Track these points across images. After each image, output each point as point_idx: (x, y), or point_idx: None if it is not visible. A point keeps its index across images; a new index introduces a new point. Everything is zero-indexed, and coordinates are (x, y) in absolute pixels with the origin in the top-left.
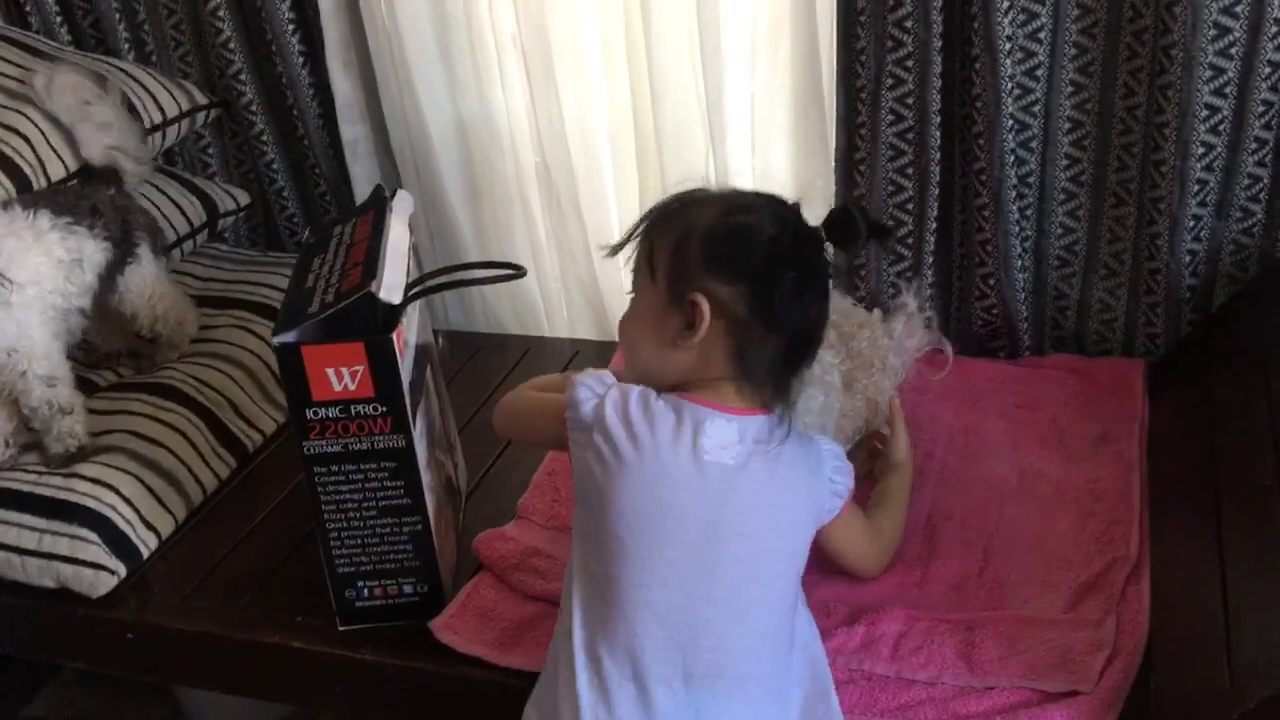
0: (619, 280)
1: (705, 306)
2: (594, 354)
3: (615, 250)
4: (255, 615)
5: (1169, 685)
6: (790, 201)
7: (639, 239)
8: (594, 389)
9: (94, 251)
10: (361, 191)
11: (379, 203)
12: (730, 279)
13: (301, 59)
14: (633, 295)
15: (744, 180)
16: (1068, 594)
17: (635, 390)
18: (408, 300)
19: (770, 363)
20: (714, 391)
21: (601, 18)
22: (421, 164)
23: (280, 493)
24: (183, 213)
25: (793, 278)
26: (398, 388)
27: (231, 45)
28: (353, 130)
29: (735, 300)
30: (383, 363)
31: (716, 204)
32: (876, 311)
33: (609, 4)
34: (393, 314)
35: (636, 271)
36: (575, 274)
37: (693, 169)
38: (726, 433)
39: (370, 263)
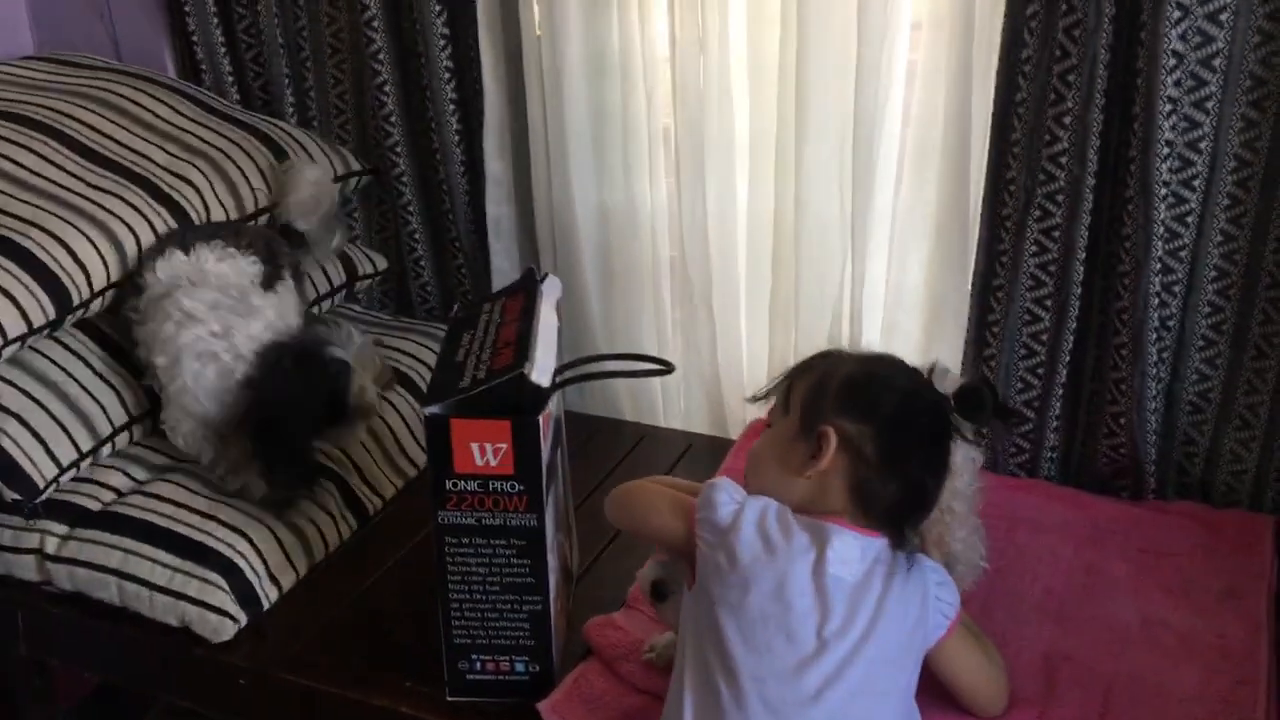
0: (739, 380)
1: (833, 437)
2: (706, 449)
3: (760, 397)
4: (365, 676)
5: None
6: (923, 371)
7: (783, 383)
8: (733, 495)
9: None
10: (499, 267)
11: (529, 284)
12: (861, 419)
13: (457, 137)
14: (767, 429)
15: (878, 294)
16: None
17: (774, 505)
18: (557, 386)
19: (886, 506)
20: (834, 517)
21: (755, 119)
22: (561, 248)
23: (395, 556)
24: (324, 272)
25: (921, 427)
26: (538, 469)
27: (393, 119)
28: (498, 209)
29: (863, 438)
30: (527, 443)
31: (856, 359)
32: None
33: (764, 107)
34: (541, 396)
35: (774, 409)
36: (698, 368)
37: (828, 279)
38: (851, 548)
39: (522, 343)
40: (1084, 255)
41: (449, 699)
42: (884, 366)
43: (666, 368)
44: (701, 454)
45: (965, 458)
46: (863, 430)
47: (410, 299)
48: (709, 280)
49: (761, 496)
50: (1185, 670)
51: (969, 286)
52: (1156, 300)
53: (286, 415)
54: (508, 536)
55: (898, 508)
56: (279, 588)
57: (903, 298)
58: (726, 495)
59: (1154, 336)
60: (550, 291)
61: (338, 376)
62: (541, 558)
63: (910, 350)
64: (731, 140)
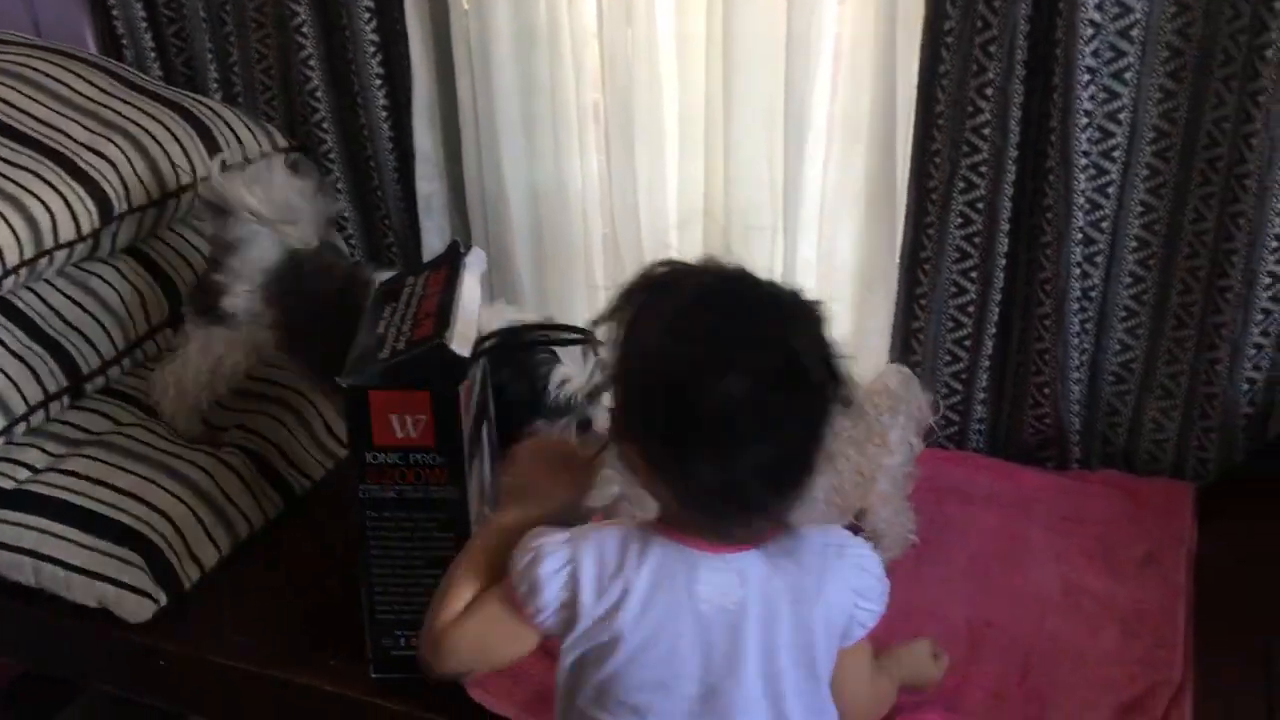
0: None
1: (639, 462)
2: None
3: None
4: (288, 655)
5: None
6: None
7: (615, 323)
8: (556, 562)
9: None
10: (430, 245)
11: (453, 257)
12: (657, 436)
13: (385, 113)
14: None
15: (809, 269)
16: (1108, 714)
17: (611, 544)
18: (477, 355)
19: (715, 516)
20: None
21: (684, 93)
22: (492, 225)
23: (324, 537)
24: None
25: (716, 446)
26: (458, 440)
27: (318, 94)
28: (428, 186)
29: (663, 459)
30: (446, 414)
31: (667, 319)
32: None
33: (693, 81)
34: (461, 367)
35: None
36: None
37: (758, 254)
38: (724, 577)
39: (443, 315)
40: (1008, 227)
41: (373, 676)
42: (695, 335)
43: (588, 337)
44: None
45: (901, 439)
46: (668, 455)
47: None
48: (641, 257)
49: (584, 539)
50: (1105, 634)
51: (897, 260)
52: (1079, 271)
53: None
54: (429, 510)
55: (738, 515)
56: (200, 566)
57: (833, 271)
58: (548, 568)
59: (1076, 307)
60: (474, 264)
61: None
62: (465, 531)
63: (841, 324)
64: (661, 115)
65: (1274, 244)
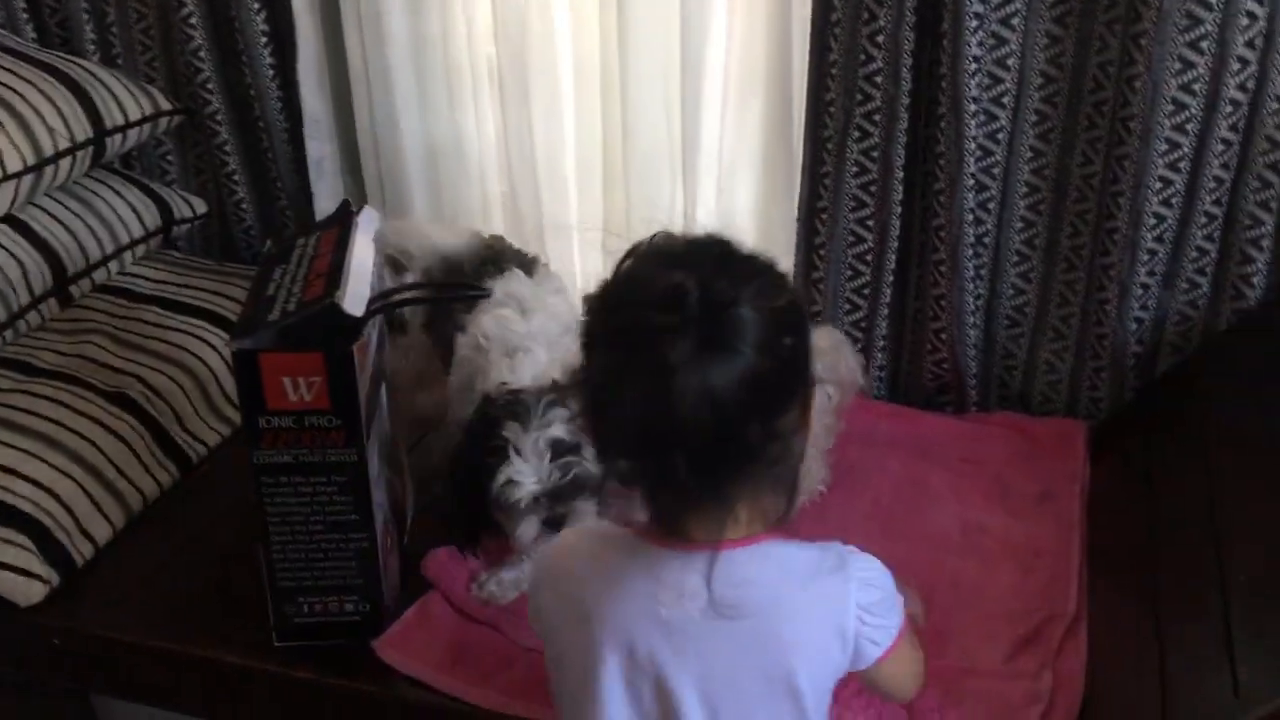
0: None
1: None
2: None
3: None
4: (188, 628)
5: None
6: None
7: None
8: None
9: None
10: (324, 208)
11: (344, 218)
12: (592, 413)
13: (272, 72)
14: None
15: (709, 221)
16: (1006, 646)
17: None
18: (371, 314)
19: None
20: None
21: (579, 46)
22: (388, 186)
23: (221, 506)
24: (138, 216)
25: (624, 400)
26: (355, 401)
27: (201, 54)
28: (319, 147)
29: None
30: (341, 375)
31: (600, 289)
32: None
33: (587, 33)
34: (355, 326)
35: None
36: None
37: (659, 206)
38: (687, 580)
39: (334, 275)
40: (902, 175)
41: (277, 644)
42: (615, 298)
43: (482, 292)
44: None
45: (829, 402)
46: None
47: (234, 243)
48: (540, 214)
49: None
50: (1003, 571)
51: (795, 210)
52: (971, 217)
53: None
54: (328, 473)
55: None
56: (93, 543)
57: (733, 223)
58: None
59: (970, 253)
60: (366, 223)
61: None
62: (365, 493)
63: None
64: (556, 69)
65: (1158, 185)
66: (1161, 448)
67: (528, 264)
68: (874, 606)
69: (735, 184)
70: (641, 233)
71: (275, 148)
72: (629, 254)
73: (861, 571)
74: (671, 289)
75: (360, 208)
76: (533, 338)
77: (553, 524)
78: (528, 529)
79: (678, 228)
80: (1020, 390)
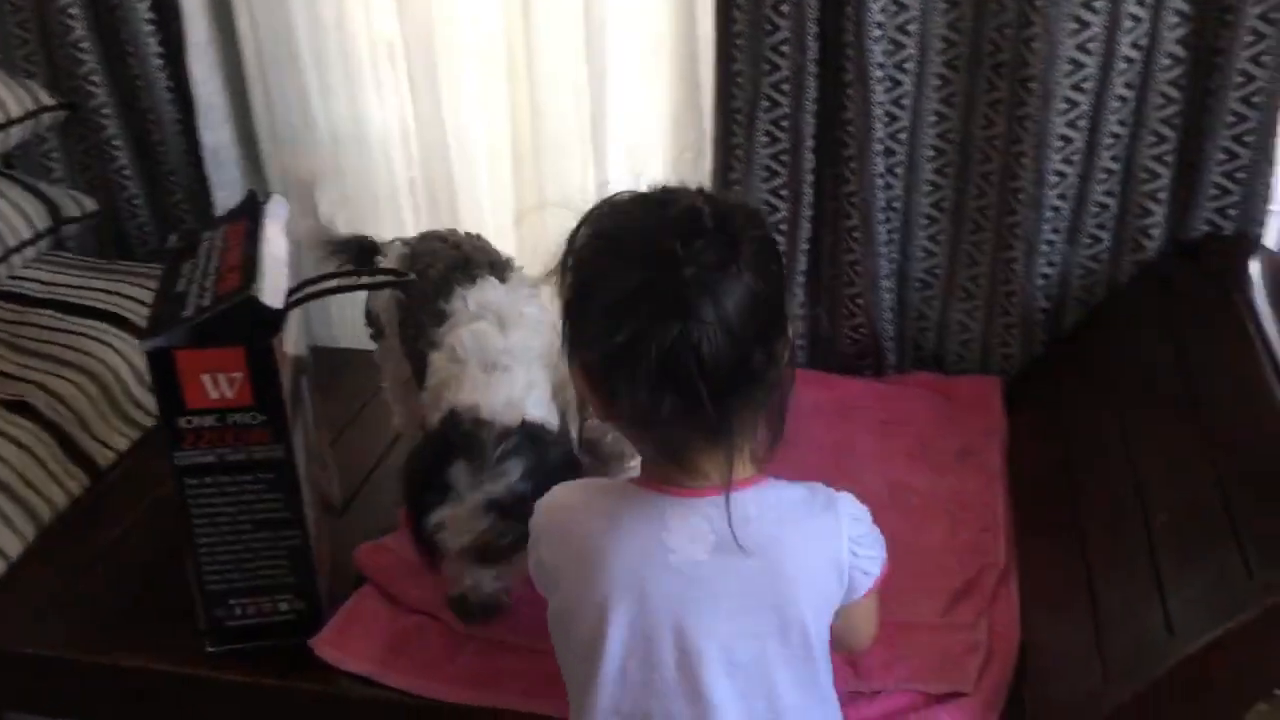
0: None
1: (585, 387)
2: None
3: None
4: (114, 638)
5: (1044, 683)
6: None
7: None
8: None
9: None
10: (222, 200)
11: (252, 208)
12: (584, 346)
13: (160, 61)
14: None
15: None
16: (942, 600)
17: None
18: (292, 305)
19: (662, 424)
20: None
21: (484, 25)
22: (290, 174)
23: (136, 512)
24: (24, 217)
25: (622, 324)
26: (279, 396)
27: (83, 45)
28: (214, 136)
29: (595, 372)
30: (263, 370)
31: (585, 226)
32: None
33: (492, 17)
34: (275, 319)
35: None
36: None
37: (571, 185)
38: (692, 524)
39: (248, 267)
40: (813, 143)
41: (209, 650)
42: (606, 246)
43: (404, 277)
44: None
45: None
46: (594, 365)
47: (128, 241)
48: (454, 197)
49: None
50: (932, 527)
51: (708, 183)
52: (882, 182)
53: None
54: (254, 471)
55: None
56: (4, 558)
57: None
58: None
59: (882, 218)
60: (276, 213)
61: None
62: (294, 490)
63: None
64: (462, 49)
65: (1059, 144)
66: (1075, 398)
67: (500, 268)
68: (863, 539)
69: (646, 159)
70: (557, 211)
71: (167, 140)
72: (599, 206)
73: (849, 508)
74: (688, 212)
75: (267, 196)
76: (511, 354)
77: (486, 561)
78: (454, 570)
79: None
80: (934, 351)
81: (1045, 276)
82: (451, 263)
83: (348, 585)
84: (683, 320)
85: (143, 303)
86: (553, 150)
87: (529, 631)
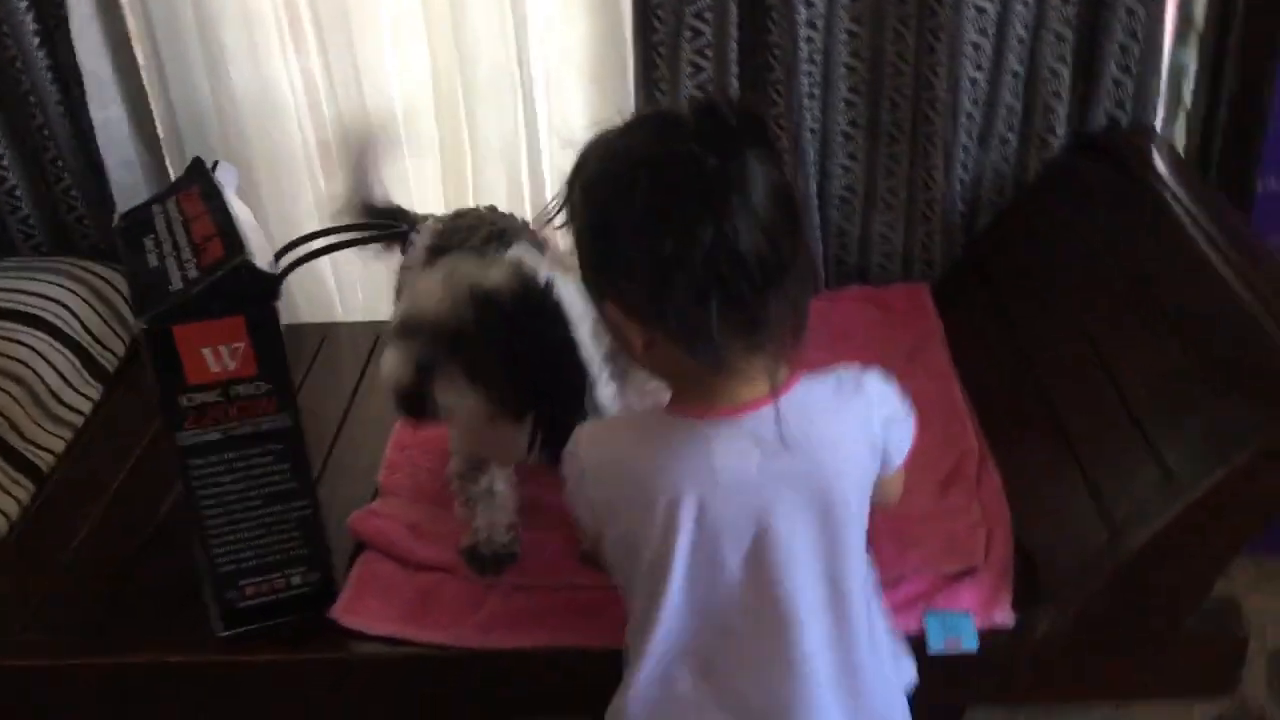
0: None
1: (622, 319)
2: None
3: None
4: (115, 638)
5: (1050, 548)
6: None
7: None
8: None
9: None
10: (120, 181)
11: (200, 175)
12: (619, 274)
13: (37, 38)
14: None
15: (549, 139)
16: (932, 490)
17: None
18: (290, 267)
19: (708, 339)
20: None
21: None
22: (190, 146)
23: (92, 510)
24: None
25: (661, 239)
26: (282, 362)
27: None
28: (104, 113)
29: (634, 296)
30: (267, 336)
31: (597, 162)
32: None
33: None
34: (272, 284)
35: None
36: (376, 248)
37: (501, 129)
38: (738, 445)
39: (228, 234)
40: (737, 70)
41: (223, 635)
42: (609, 182)
43: (401, 230)
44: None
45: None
46: (633, 290)
47: (10, 237)
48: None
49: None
50: None
51: None
52: (807, 102)
53: None
54: (262, 443)
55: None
56: None
57: (573, 138)
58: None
59: (809, 137)
60: (228, 179)
61: None
62: (303, 458)
63: None
64: (376, 6)
65: (971, 51)
66: (1010, 293)
67: (521, 233)
68: (893, 416)
69: (571, 98)
70: (485, 159)
71: (50, 121)
72: (596, 137)
73: (876, 386)
74: (692, 114)
75: (214, 163)
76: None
77: (421, 370)
78: (391, 361)
79: (521, 151)
80: (858, 264)
81: (961, 182)
82: (489, 234)
83: (344, 556)
84: (716, 219)
85: (52, 299)
86: (482, 93)
87: (544, 573)
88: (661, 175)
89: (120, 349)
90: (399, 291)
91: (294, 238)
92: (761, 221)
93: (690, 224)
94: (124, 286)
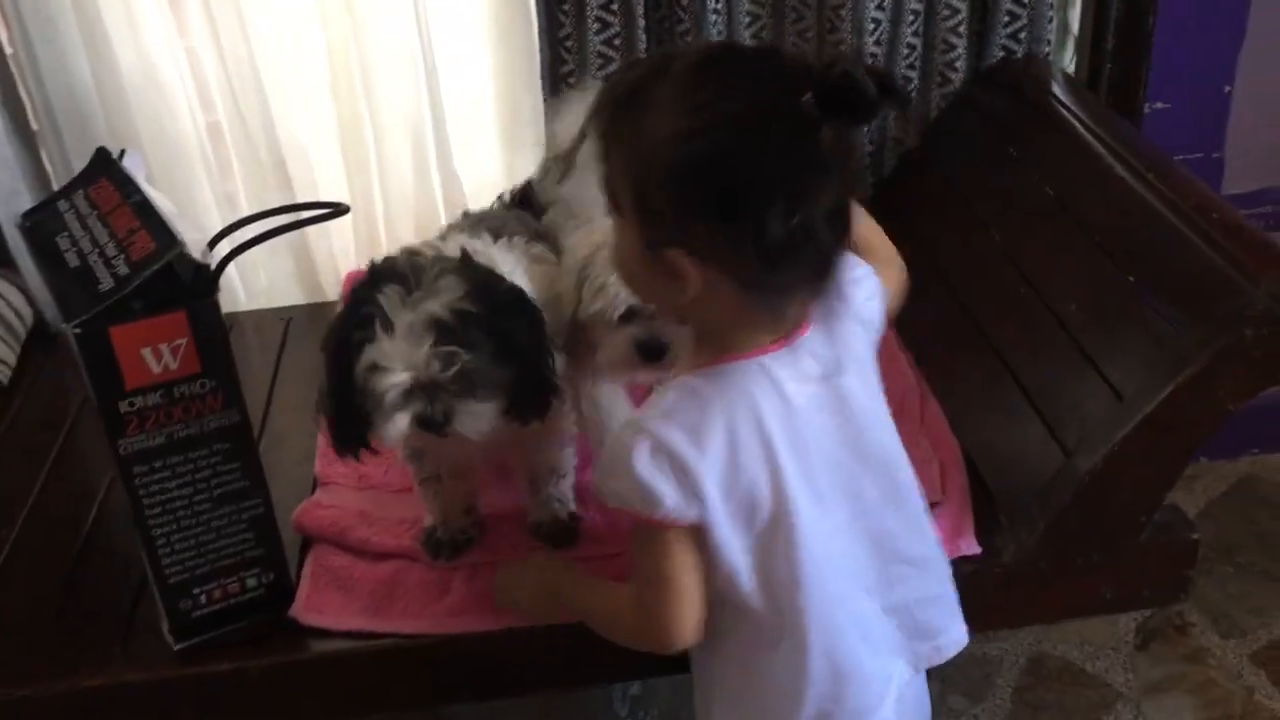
0: (325, 233)
1: (688, 265)
2: (307, 320)
3: (567, 165)
4: (62, 664)
5: (1007, 476)
6: (787, 54)
7: (597, 140)
8: (655, 473)
9: None
10: None
11: (107, 166)
12: (710, 222)
13: None
14: (611, 219)
15: (455, 109)
16: None
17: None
18: (230, 256)
19: (786, 288)
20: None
21: None
22: (69, 133)
23: (6, 536)
24: None
25: (786, 202)
26: (227, 357)
27: None
28: None
29: (722, 244)
30: (209, 331)
31: (676, 103)
32: None
33: None
34: (211, 275)
35: (604, 191)
36: None
37: (404, 102)
38: (801, 366)
39: (154, 226)
40: (644, 23)
41: (177, 648)
42: (715, 121)
43: (339, 209)
44: (303, 327)
45: None
46: (719, 235)
47: None
48: (273, 133)
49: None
50: None
51: (539, 79)
52: None
53: None
54: (209, 444)
55: (803, 280)
56: None
57: (481, 107)
58: (657, 484)
59: None
60: (136, 169)
61: None
62: (252, 454)
63: (493, 164)
64: None
65: None
66: (928, 229)
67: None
68: (865, 288)
69: (476, 65)
70: (389, 133)
71: None
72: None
73: (860, 271)
74: (795, 68)
75: (121, 152)
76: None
77: (428, 424)
78: (393, 427)
79: (426, 124)
80: None
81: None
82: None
83: (291, 554)
84: (836, 183)
85: None
86: (379, 69)
87: (509, 551)
88: (785, 136)
89: (12, 359)
90: None
91: (221, 226)
92: (848, 174)
93: (817, 195)
94: (8, 292)
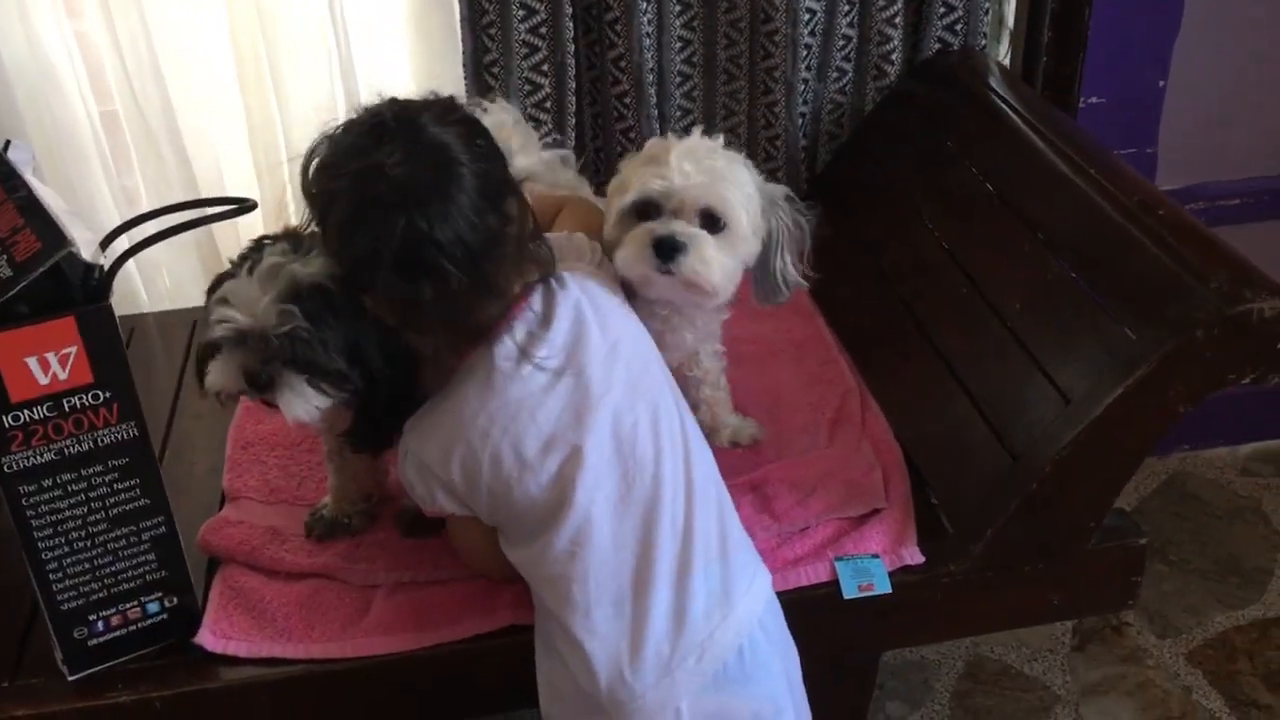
0: (231, 229)
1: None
2: None
3: None
4: None
5: (951, 482)
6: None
7: None
8: None
9: None
10: None
11: None
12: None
13: None
14: None
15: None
16: (825, 429)
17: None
18: (125, 256)
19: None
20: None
21: None
22: None
23: None
24: None
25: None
26: (122, 366)
27: None
28: None
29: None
30: (101, 338)
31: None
32: None
33: None
34: (104, 277)
35: None
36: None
37: (317, 89)
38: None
39: (40, 223)
40: (571, 10)
41: (72, 679)
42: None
43: (246, 205)
44: None
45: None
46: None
47: None
48: (174, 124)
49: None
50: (776, 367)
51: (461, 70)
52: (648, 41)
53: None
54: (104, 459)
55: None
56: None
57: (398, 94)
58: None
59: (651, 79)
60: (22, 160)
61: None
62: (152, 470)
63: None
64: None
65: None
66: (866, 224)
67: None
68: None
69: (393, 50)
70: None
71: None
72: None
73: None
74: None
75: (6, 143)
76: None
77: (253, 381)
78: (219, 368)
79: (340, 116)
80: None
81: (803, 115)
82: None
83: (196, 575)
84: (406, 213)
85: None
86: (290, 54)
87: (430, 568)
88: (351, 182)
89: None
90: None
91: (118, 224)
92: (463, 211)
93: (383, 223)
94: None
